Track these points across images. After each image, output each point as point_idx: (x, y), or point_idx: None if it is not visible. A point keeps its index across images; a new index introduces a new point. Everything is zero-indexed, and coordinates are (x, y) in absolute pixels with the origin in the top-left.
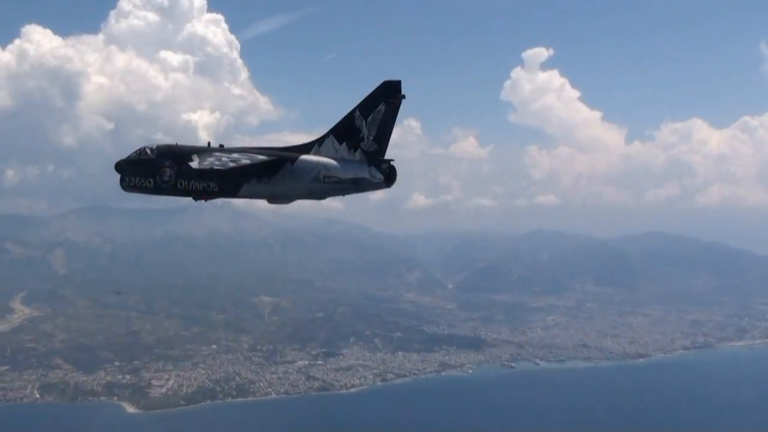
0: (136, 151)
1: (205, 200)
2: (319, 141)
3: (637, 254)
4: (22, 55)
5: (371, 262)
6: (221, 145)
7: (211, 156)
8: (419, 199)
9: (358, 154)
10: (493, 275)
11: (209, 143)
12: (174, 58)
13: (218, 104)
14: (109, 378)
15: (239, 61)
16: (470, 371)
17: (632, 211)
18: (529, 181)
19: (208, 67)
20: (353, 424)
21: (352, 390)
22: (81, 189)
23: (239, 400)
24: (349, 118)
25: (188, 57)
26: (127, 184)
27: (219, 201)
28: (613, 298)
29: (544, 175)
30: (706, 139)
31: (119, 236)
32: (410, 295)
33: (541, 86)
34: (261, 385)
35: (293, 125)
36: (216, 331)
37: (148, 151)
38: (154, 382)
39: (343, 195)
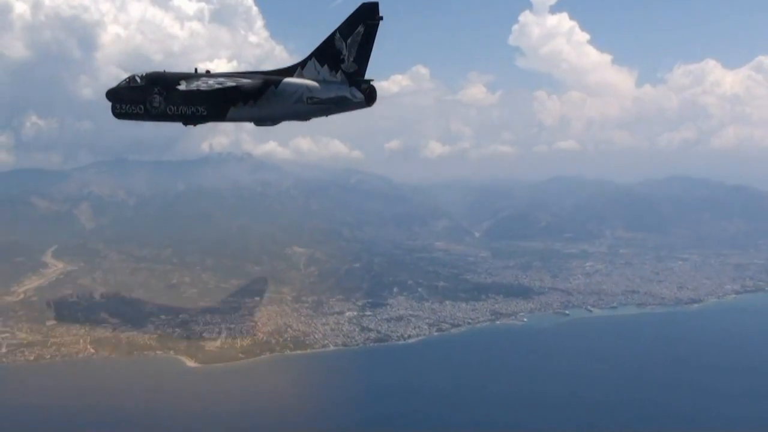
0: (125, 79)
1: (195, 125)
2: (302, 64)
3: (664, 199)
4: (37, 4)
5: (396, 212)
6: (208, 71)
7: (197, 80)
8: (436, 147)
9: (339, 76)
10: (520, 222)
11: (196, 69)
12: (189, 6)
13: (235, 53)
14: (159, 332)
15: (254, 9)
16: (525, 320)
17: (647, 155)
18: (540, 127)
19: (223, 15)
20: (425, 374)
21: (411, 341)
22: (99, 142)
23: (298, 352)
24: (329, 41)
25: (203, 5)
26: (118, 112)
27: (239, 152)
28: (645, 243)
29: (556, 120)
30: (719, 80)
31: (142, 189)
32: (440, 243)
33: (550, 30)
34: (316, 336)
35: None
36: (256, 283)
37: (138, 79)
38: (205, 335)
39: (326, 115)
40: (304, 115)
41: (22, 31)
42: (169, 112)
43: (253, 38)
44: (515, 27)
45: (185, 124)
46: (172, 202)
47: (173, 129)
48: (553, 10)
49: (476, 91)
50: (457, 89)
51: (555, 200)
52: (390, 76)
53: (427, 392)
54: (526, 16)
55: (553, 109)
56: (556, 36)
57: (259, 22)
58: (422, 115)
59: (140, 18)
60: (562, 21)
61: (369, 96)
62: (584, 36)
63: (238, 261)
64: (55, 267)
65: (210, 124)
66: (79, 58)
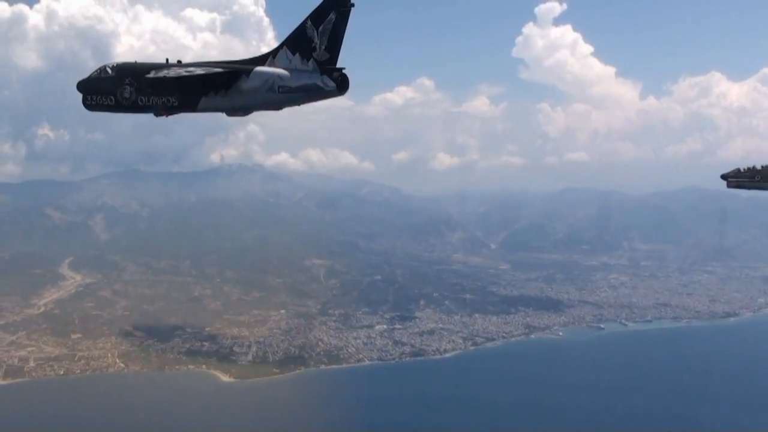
0: (96, 70)
1: (166, 115)
2: (273, 53)
3: (678, 210)
4: (51, 15)
5: (410, 223)
6: (179, 61)
7: (167, 69)
8: (444, 158)
9: (311, 64)
10: (535, 234)
11: (167, 60)
12: (201, 17)
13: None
14: (187, 345)
15: (266, 20)
16: (560, 333)
17: (653, 166)
18: (545, 139)
19: (235, 25)
20: (477, 388)
21: (447, 355)
22: (109, 153)
23: (334, 367)
24: (301, 29)
25: (215, 15)
26: (89, 103)
27: (250, 163)
28: (665, 255)
29: (561, 132)
30: (725, 92)
31: (155, 200)
32: (458, 255)
33: (554, 42)
34: (350, 351)
35: None
36: (278, 295)
37: (109, 70)
38: (236, 349)
39: (299, 104)
40: (275, 105)
41: (36, 41)
42: (140, 103)
43: (264, 49)
44: (519, 39)
45: (156, 114)
46: (185, 214)
47: (183, 140)
48: (557, 22)
49: (480, 103)
50: (461, 101)
51: (568, 212)
52: (394, 88)
53: (487, 407)
54: (530, 28)
55: (557, 121)
56: (560, 48)
57: (270, 33)
58: (428, 127)
59: (153, 29)
60: (566, 33)
61: (341, 84)
62: (588, 48)
63: (258, 273)
64: (73, 279)
65: (219, 137)
66: (93, 69)
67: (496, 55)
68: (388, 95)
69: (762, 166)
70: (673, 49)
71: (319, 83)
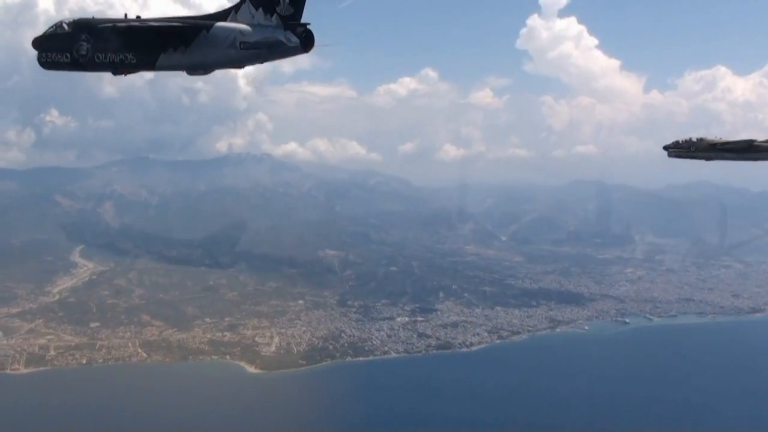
0: (52, 26)
1: (125, 74)
2: (236, 8)
3: (689, 204)
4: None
5: (419, 214)
6: (138, 17)
7: (125, 23)
8: (450, 150)
9: (274, 19)
10: (546, 227)
11: (126, 15)
12: (210, 4)
13: None
14: (208, 335)
15: None
16: (586, 327)
17: (658, 161)
18: (549, 131)
19: None
20: (516, 380)
21: (474, 348)
22: (117, 140)
23: (360, 359)
24: None
25: (224, 3)
26: (44, 61)
27: (258, 152)
28: (679, 250)
29: (565, 125)
30: (731, 86)
31: (164, 188)
32: (470, 247)
33: (559, 34)
34: (374, 343)
35: (324, 74)
36: (295, 286)
37: (65, 26)
38: (258, 339)
39: (262, 62)
40: (237, 62)
41: (46, 26)
42: (96, 60)
43: None
44: (523, 31)
45: (115, 73)
46: (195, 202)
47: (190, 129)
48: (562, 13)
49: (483, 95)
50: (467, 93)
51: (578, 205)
52: (398, 78)
53: (540, 400)
54: (534, 20)
55: (561, 114)
56: (565, 40)
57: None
58: (434, 118)
59: (162, 14)
60: (571, 25)
61: (305, 40)
62: (593, 40)
63: (271, 263)
64: (86, 267)
65: (226, 126)
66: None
67: (500, 46)
68: (393, 86)
69: (697, 138)
70: (678, 42)
71: (282, 38)
